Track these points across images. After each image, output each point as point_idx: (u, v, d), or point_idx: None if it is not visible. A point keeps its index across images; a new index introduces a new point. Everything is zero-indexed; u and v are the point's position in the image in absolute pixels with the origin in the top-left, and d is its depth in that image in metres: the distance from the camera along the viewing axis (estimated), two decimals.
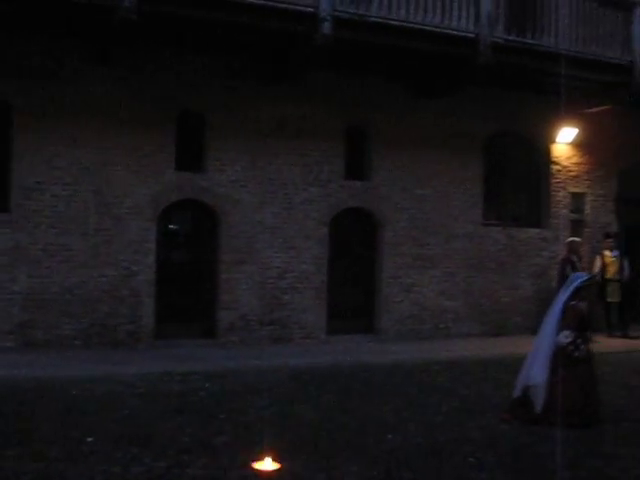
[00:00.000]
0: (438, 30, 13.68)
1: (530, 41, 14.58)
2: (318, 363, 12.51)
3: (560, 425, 8.01)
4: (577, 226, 17.72)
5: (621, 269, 16.80)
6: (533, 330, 14.65)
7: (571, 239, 16.49)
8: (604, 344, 15.17)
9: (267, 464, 6.73)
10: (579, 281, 9.28)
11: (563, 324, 8.90)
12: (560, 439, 7.66)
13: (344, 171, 15.24)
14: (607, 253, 16.98)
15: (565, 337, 8.81)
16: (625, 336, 16.73)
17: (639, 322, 16.77)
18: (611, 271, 16.83)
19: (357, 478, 6.58)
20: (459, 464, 7.09)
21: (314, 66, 14.22)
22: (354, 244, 15.71)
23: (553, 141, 17.45)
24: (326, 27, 12.67)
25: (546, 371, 8.75)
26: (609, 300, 16.79)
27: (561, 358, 8.68)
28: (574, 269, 15.76)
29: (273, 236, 14.56)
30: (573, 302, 9.05)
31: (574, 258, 16.06)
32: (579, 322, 9.01)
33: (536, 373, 8.85)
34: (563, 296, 9.13)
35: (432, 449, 7.58)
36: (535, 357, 9.00)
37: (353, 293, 15.67)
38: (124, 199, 13.52)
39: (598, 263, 16.91)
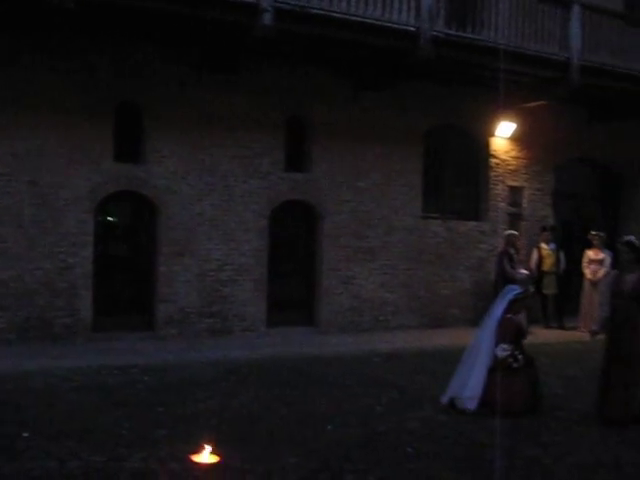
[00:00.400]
0: (379, 23, 13.69)
1: (470, 35, 14.69)
2: (258, 355, 12.48)
3: (498, 415, 8.12)
4: (515, 219, 17.96)
5: (557, 262, 17.06)
6: (471, 322, 14.90)
7: (509, 232, 16.69)
8: (541, 335, 15.45)
9: (206, 457, 6.70)
10: (513, 294, 9.41)
11: (500, 337, 9.01)
12: (498, 429, 7.76)
13: (284, 163, 15.19)
14: (544, 246, 17.22)
15: (503, 350, 8.91)
16: (561, 327, 17.02)
17: (575, 313, 17.00)
18: (548, 263, 17.07)
19: (296, 469, 6.57)
20: (397, 454, 7.13)
21: (255, 57, 14.16)
22: (294, 236, 15.70)
23: (492, 135, 17.63)
24: (267, 18, 12.60)
25: (481, 386, 8.85)
26: (545, 292, 17.03)
27: (500, 371, 8.79)
28: (512, 262, 15.99)
29: (212, 228, 14.45)
30: (508, 315, 9.17)
31: (512, 251, 16.27)
32: (515, 334, 9.14)
33: (471, 387, 8.93)
34: (498, 310, 9.25)
35: (371, 440, 7.61)
36: (471, 371, 9.06)
37: (293, 285, 15.66)
38: (60, 190, 13.29)
39: (535, 256, 17.14)
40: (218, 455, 6.74)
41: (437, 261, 16.88)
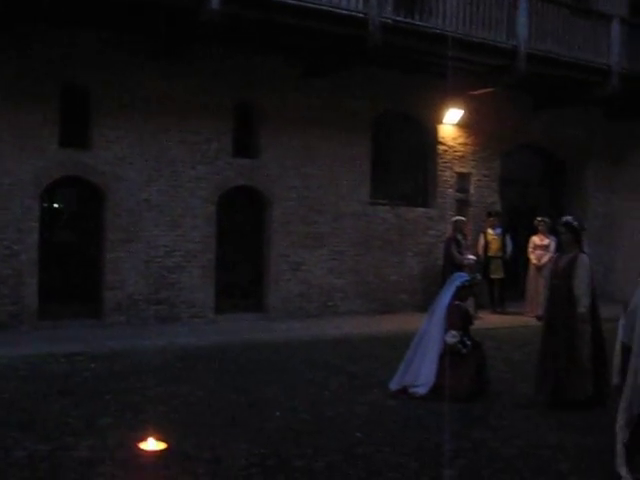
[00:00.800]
0: (328, 9, 13.65)
1: (418, 22, 14.72)
2: (206, 342, 12.44)
3: (447, 400, 8.22)
4: (462, 205, 18.10)
5: (503, 247, 17.24)
6: (420, 307, 15.04)
7: (456, 218, 16.84)
8: (488, 320, 15.65)
9: (153, 444, 6.68)
10: (460, 281, 9.51)
11: (448, 324, 9.10)
12: (446, 413, 7.86)
13: (232, 149, 15.10)
14: (490, 231, 17.39)
15: (452, 337, 9.01)
16: (503, 312, 17.21)
17: (522, 298, 17.22)
18: (493, 249, 17.25)
19: (245, 455, 6.58)
20: (346, 439, 7.17)
21: (202, 42, 14.04)
22: (242, 222, 15.62)
23: (440, 122, 17.72)
24: (214, 2, 12.47)
25: (434, 373, 8.93)
26: (492, 277, 17.22)
27: (450, 357, 8.88)
28: (459, 248, 16.15)
29: (160, 214, 14.33)
30: (456, 302, 9.28)
31: (459, 237, 16.43)
32: (463, 320, 9.25)
33: (424, 375, 9.00)
34: (446, 297, 9.34)
35: (320, 425, 7.65)
36: (423, 359, 9.13)
37: (241, 272, 15.61)
38: (5, 176, 13.05)
39: (482, 241, 17.32)
40: (166, 442, 6.73)
41: (385, 247, 16.95)
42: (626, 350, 6.41)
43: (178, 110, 14.39)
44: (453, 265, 15.42)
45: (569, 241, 8.93)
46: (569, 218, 9.14)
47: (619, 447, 6.31)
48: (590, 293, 8.58)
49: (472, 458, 6.71)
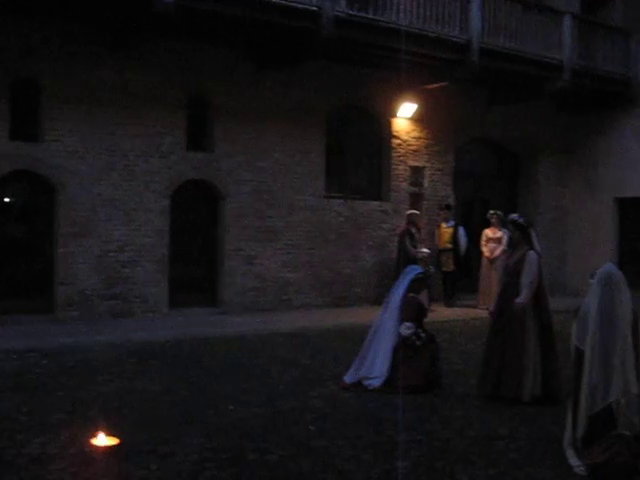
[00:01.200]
0: (281, 2, 13.60)
1: (372, 16, 14.74)
2: (160, 337, 12.36)
3: (400, 392, 8.27)
4: (416, 199, 18.20)
5: (456, 240, 17.34)
6: (374, 301, 15.12)
7: (410, 212, 16.94)
8: (442, 312, 15.78)
9: (106, 440, 6.62)
10: (414, 273, 9.56)
11: (403, 317, 9.15)
12: (400, 405, 7.90)
13: (186, 142, 15.02)
14: (442, 224, 17.51)
15: (407, 328, 9.06)
16: (453, 305, 17.31)
17: (476, 291, 17.36)
18: (444, 241, 17.38)
19: (198, 450, 6.55)
20: (300, 432, 7.17)
21: (156, 34, 13.93)
22: (196, 217, 15.54)
23: (394, 115, 17.79)
24: None
25: (388, 366, 8.97)
26: (444, 270, 17.35)
27: (404, 349, 8.93)
28: (413, 241, 16.24)
29: (113, 208, 14.20)
30: (410, 294, 9.32)
31: (413, 230, 16.52)
32: (417, 313, 9.30)
33: (379, 368, 9.04)
34: (399, 290, 9.39)
35: (273, 419, 7.64)
36: (377, 351, 9.17)
37: (195, 266, 15.54)
38: None
39: (437, 234, 17.46)
40: (119, 438, 6.68)
41: (340, 240, 16.99)
42: (578, 353, 6.52)
43: (131, 103, 14.27)
44: (407, 258, 15.48)
45: (517, 239, 8.99)
46: (515, 216, 9.19)
47: (567, 441, 6.42)
48: (532, 288, 8.56)
49: (425, 450, 6.75)
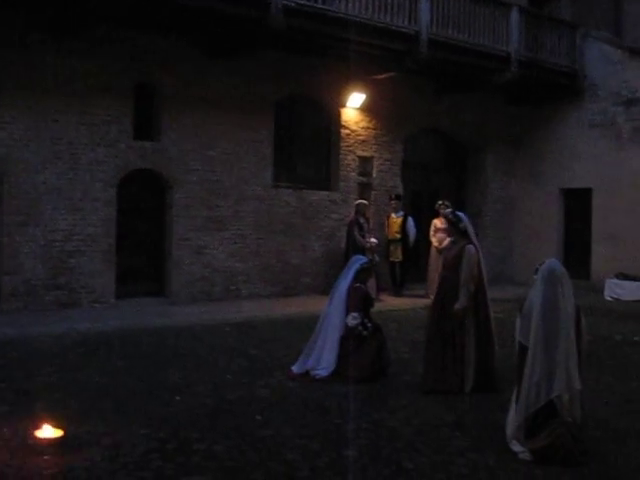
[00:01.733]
0: None
1: (321, 6, 14.69)
2: (107, 327, 12.24)
3: (348, 382, 8.31)
4: (365, 189, 18.25)
5: (405, 230, 17.40)
6: (323, 291, 15.11)
7: (359, 201, 16.96)
8: (390, 302, 15.86)
9: (50, 431, 6.54)
10: (359, 263, 9.58)
11: (349, 306, 9.16)
12: (347, 394, 7.94)
13: (133, 131, 14.85)
14: (392, 215, 17.58)
15: (353, 319, 9.07)
16: (402, 294, 17.41)
17: (425, 280, 17.45)
18: (393, 232, 17.45)
19: (144, 440, 6.51)
20: (247, 422, 7.16)
21: (102, 21, 13.74)
22: (144, 206, 15.38)
23: (343, 105, 17.79)
24: None
25: (336, 356, 9.00)
26: (393, 260, 17.43)
27: (352, 340, 8.96)
28: (362, 231, 16.28)
29: (58, 197, 13.98)
30: (356, 284, 9.34)
31: (361, 220, 16.55)
32: (364, 303, 9.32)
33: (326, 358, 9.06)
34: (345, 280, 9.39)
35: (220, 409, 7.62)
36: (325, 342, 9.17)
37: (143, 256, 15.38)
38: None
39: (386, 224, 17.53)
40: (63, 429, 6.59)
41: (288, 230, 16.97)
42: (522, 349, 6.60)
43: (77, 91, 14.04)
44: (355, 248, 15.53)
45: (453, 233, 9.04)
46: (447, 212, 9.25)
47: (510, 435, 6.51)
48: (470, 290, 8.53)
49: (372, 438, 6.78)
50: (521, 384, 6.50)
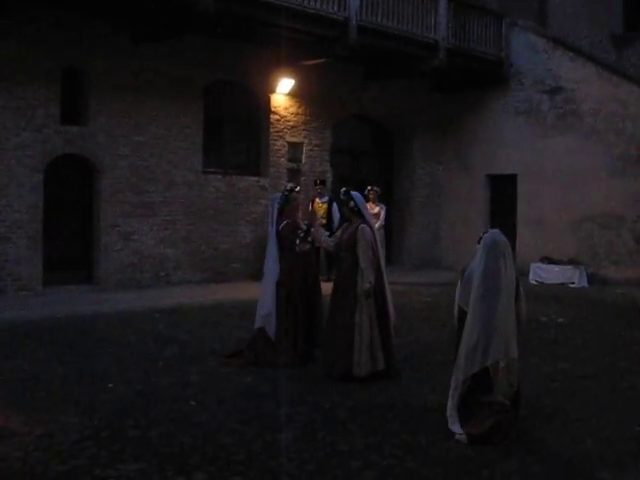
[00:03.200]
0: None
1: None
2: (34, 315, 12.02)
3: (279, 366, 8.36)
4: (294, 175, 18.26)
5: (330, 215, 17.38)
6: (253, 276, 15.13)
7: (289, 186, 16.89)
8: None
9: None
10: (277, 203, 9.44)
11: (285, 241, 9.20)
12: (280, 379, 7.98)
13: (60, 116, 14.60)
14: (317, 200, 17.60)
15: (300, 233, 9.17)
16: (329, 280, 17.44)
17: None
18: (320, 217, 17.41)
19: (78, 429, 6.45)
20: (180, 408, 7.15)
21: (28, 3, 13.46)
22: (71, 192, 15.15)
23: (272, 91, 17.78)
24: None
25: (273, 299, 9.02)
26: (317, 245, 17.40)
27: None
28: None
29: None
30: (283, 223, 9.27)
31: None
32: (293, 229, 9.28)
33: (264, 304, 9.09)
34: (272, 227, 9.38)
35: (153, 395, 7.59)
36: (265, 286, 9.21)
37: (70, 243, 15.15)
38: None
39: (309, 209, 17.50)
40: None
41: (218, 216, 16.91)
42: (461, 314, 6.70)
43: (1, 74, 13.73)
44: None
45: (347, 212, 8.91)
46: (341, 190, 9.22)
47: (451, 407, 6.62)
48: (373, 268, 8.41)
49: (307, 421, 6.84)
50: (457, 350, 6.61)
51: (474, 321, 6.49)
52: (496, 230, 6.94)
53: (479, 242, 6.74)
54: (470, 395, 6.48)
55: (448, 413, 6.64)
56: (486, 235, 6.76)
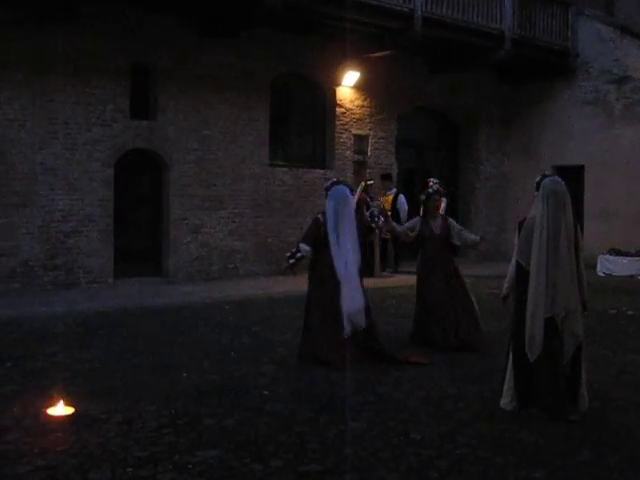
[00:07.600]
0: None
1: None
2: (106, 307, 12.28)
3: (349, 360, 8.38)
4: (360, 167, 18.28)
5: (396, 208, 17.36)
6: None
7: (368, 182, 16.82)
8: (386, 280, 15.93)
9: (61, 409, 6.60)
10: (341, 189, 8.99)
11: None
12: (350, 369, 8.02)
13: (129, 111, 14.85)
14: (384, 192, 17.59)
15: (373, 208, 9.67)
16: (396, 271, 17.47)
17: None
18: (386, 210, 17.42)
19: (154, 417, 6.57)
20: (253, 397, 7.24)
21: (98, 1, 13.71)
22: (141, 186, 15.44)
23: (338, 84, 17.82)
24: None
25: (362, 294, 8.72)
26: (385, 237, 17.42)
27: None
28: (368, 208, 16.21)
29: (55, 178, 14.00)
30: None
31: (368, 199, 16.48)
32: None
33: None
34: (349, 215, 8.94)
35: (227, 385, 7.69)
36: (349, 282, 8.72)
37: (140, 236, 15.45)
38: None
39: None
40: (74, 407, 6.66)
41: (284, 209, 17.02)
42: (520, 269, 6.73)
43: (72, 70, 14.03)
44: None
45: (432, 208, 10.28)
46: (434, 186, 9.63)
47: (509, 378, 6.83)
48: None
49: (378, 410, 6.87)
50: (520, 310, 6.66)
51: (538, 278, 6.47)
52: (555, 177, 6.85)
53: (537, 188, 6.65)
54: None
55: (506, 387, 6.82)
56: (545, 182, 6.66)
